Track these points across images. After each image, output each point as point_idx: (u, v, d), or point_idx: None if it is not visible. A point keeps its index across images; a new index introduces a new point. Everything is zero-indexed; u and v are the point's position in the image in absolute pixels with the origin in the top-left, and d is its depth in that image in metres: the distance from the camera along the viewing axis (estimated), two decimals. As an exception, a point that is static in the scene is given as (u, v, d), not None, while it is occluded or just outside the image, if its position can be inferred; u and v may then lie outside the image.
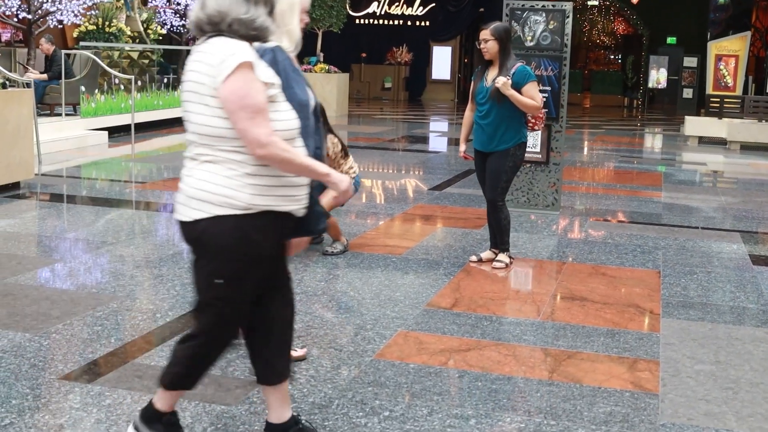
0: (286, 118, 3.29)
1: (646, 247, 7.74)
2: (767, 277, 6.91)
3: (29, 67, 14.92)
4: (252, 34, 3.26)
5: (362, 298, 5.91)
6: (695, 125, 18.13)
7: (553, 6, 9.05)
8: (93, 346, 4.77)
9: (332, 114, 19.32)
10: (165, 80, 17.96)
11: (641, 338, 5.28)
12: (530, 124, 6.78)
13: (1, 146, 9.09)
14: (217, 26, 3.23)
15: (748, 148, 16.96)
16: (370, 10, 31.08)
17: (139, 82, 16.40)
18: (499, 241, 6.91)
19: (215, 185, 3.17)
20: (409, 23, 31.11)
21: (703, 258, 7.45)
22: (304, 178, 3.33)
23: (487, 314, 5.64)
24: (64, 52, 14.87)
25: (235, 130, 3.13)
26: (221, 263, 3.23)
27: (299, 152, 3.26)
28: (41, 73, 14.77)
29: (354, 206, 8.98)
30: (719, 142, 17.69)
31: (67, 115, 14.61)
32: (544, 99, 8.48)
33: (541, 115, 6.82)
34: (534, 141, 9.07)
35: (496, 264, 6.85)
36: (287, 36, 3.99)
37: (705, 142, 17.87)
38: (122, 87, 15.67)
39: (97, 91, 15.04)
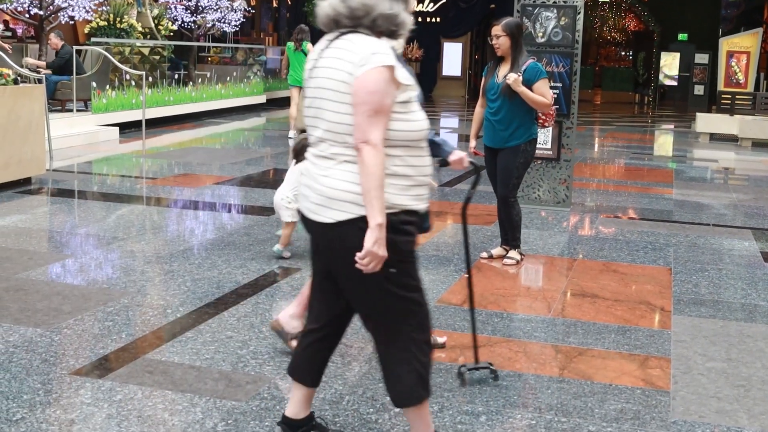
0: (420, 118, 3.22)
1: (657, 244, 7.72)
2: (779, 274, 6.89)
3: (31, 59, 14.96)
4: (392, 29, 3.19)
5: (373, 295, 5.90)
6: (706, 122, 18.07)
7: (564, 2, 9.03)
8: (104, 342, 4.78)
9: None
10: (176, 76, 17.99)
11: (652, 335, 5.27)
12: (541, 121, 6.77)
13: (12, 142, 9.12)
14: (358, 20, 3.16)
15: (759, 144, 16.91)
16: (380, 6, 31.03)
17: (150, 78, 16.42)
18: (510, 237, 6.90)
19: (358, 185, 3.08)
20: (420, 19, 31.04)
21: (715, 255, 7.43)
22: (428, 177, 3.26)
23: (497, 311, 5.63)
24: (75, 48, 14.89)
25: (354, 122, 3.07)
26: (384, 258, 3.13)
27: (383, 178, 3.07)
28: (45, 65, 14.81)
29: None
30: (730, 139, 17.63)
31: (78, 110, 14.63)
32: (555, 95, 8.48)
33: (551, 112, 6.80)
34: (545, 137, 9.05)
35: (506, 261, 6.84)
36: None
37: (716, 138, 17.80)
38: (133, 83, 15.70)
39: (108, 86, 15.07)
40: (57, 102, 14.62)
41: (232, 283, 6.00)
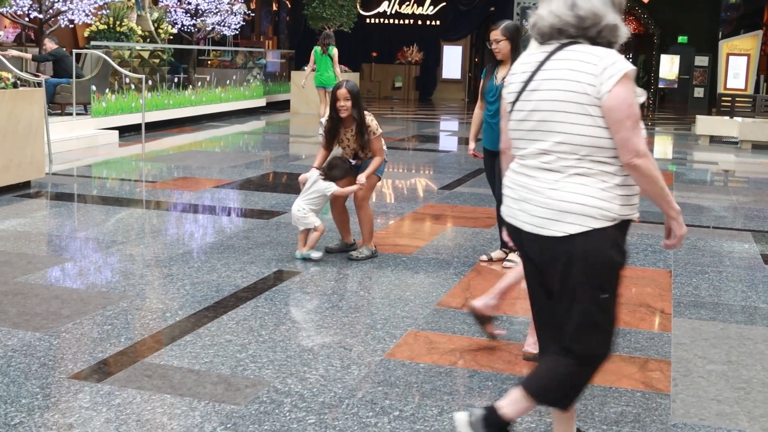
0: (642, 127, 3.21)
1: (657, 247, 7.71)
2: (779, 276, 6.88)
3: (14, 51, 14.95)
4: (611, 41, 3.16)
5: (372, 298, 5.90)
6: (706, 124, 18.05)
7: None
8: (103, 346, 4.77)
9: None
10: (175, 79, 17.99)
11: (652, 338, 5.26)
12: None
13: (12, 145, 9.12)
14: (584, 30, 3.14)
15: (759, 147, 16.89)
16: (380, 9, 31.07)
17: (150, 82, 16.43)
18: (510, 240, 6.88)
19: (592, 198, 3.08)
20: (419, 23, 31.09)
21: (715, 257, 7.42)
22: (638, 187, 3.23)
23: (497, 314, 5.61)
24: (75, 51, 14.90)
25: (614, 138, 3.06)
26: (604, 277, 3.13)
27: (663, 179, 3.16)
28: (38, 68, 14.81)
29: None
30: (730, 141, 17.62)
31: (77, 114, 14.63)
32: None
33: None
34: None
35: (506, 263, 6.83)
36: None
37: (716, 141, 17.80)
38: (133, 86, 15.70)
39: (107, 90, 15.08)
40: (56, 105, 14.62)
41: (231, 287, 5.99)
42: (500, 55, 6.58)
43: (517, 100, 3.28)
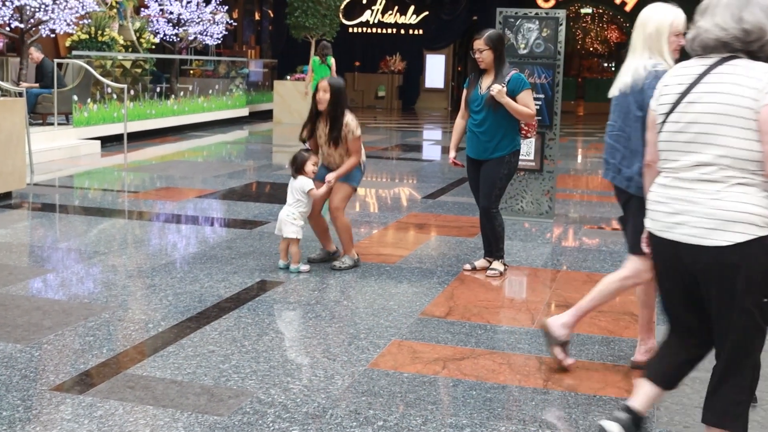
0: None
1: (641, 255, 7.71)
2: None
3: (26, 83, 14.92)
4: None
5: (356, 308, 5.88)
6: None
7: (546, 14, 9.05)
8: (85, 357, 4.73)
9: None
10: (158, 89, 17.95)
11: (636, 346, 5.25)
12: (523, 132, 6.77)
13: (-8, 156, 9.06)
14: (749, 44, 3.20)
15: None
16: (363, 18, 31.09)
17: (132, 92, 16.37)
18: (494, 249, 6.89)
19: (756, 206, 3.16)
20: (402, 32, 31.12)
21: (698, 265, 7.42)
22: None
23: (481, 323, 5.61)
24: (56, 61, 14.85)
25: (763, 150, 3.11)
26: (766, 283, 3.20)
27: None
28: (19, 77, 14.76)
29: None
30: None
31: (59, 124, 14.56)
32: (538, 107, 8.49)
33: (534, 123, 6.80)
34: (528, 149, 9.06)
35: (490, 272, 6.83)
36: (663, 60, 4.12)
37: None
38: (115, 96, 15.65)
39: (89, 100, 15.02)
40: (38, 115, 14.55)
41: (214, 297, 5.96)
42: (483, 64, 6.59)
43: (671, 111, 3.33)
